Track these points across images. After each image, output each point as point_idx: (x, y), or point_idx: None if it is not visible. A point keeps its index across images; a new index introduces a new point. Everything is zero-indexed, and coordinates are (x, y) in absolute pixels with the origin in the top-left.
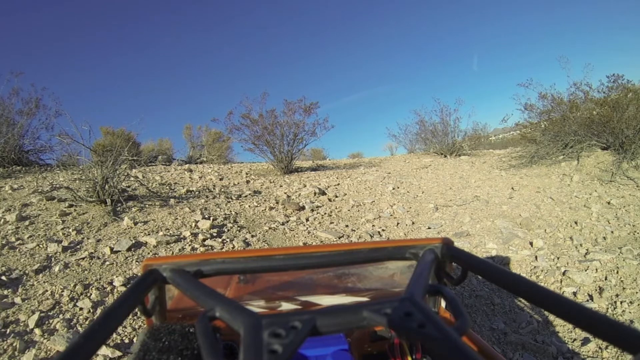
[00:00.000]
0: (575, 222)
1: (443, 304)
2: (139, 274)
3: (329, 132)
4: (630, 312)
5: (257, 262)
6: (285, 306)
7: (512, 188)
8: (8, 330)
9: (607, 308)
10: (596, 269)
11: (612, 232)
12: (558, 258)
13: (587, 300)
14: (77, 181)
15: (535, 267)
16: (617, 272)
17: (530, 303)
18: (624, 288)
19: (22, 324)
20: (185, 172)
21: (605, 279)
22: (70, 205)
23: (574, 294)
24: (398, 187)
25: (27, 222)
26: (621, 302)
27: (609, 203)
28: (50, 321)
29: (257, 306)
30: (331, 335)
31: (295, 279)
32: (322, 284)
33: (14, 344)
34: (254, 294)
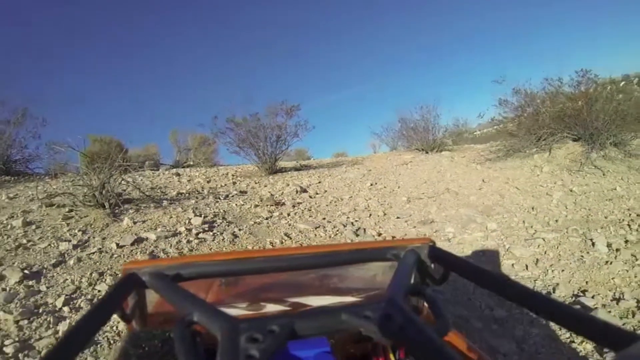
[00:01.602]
0: (533, 208)
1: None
2: (119, 276)
3: (314, 132)
4: (558, 278)
5: (237, 265)
6: (268, 308)
7: (483, 180)
8: (40, 310)
9: (539, 275)
10: (538, 245)
11: (566, 215)
12: (507, 238)
13: (524, 269)
14: (76, 187)
15: (484, 245)
16: (558, 248)
17: (513, 302)
18: (559, 259)
19: (50, 305)
20: (174, 176)
21: (545, 253)
22: (71, 210)
23: (512, 265)
24: (376, 183)
25: (33, 227)
26: (553, 270)
27: (571, 191)
28: (75, 301)
29: (239, 308)
30: (313, 338)
31: (278, 280)
32: (306, 285)
33: (48, 319)
34: (236, 296)
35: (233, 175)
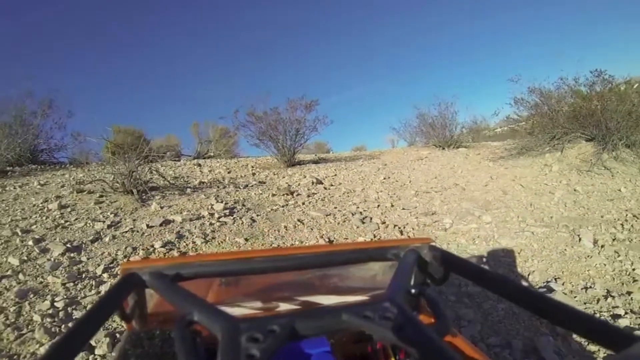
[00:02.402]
0: (531, 204)
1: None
2: (119, 276)
3: (334, 126)
4: (536, 266)
5: (236, 265)
6: (268, 308)
7: (491, 177)
8: (83, 276)
9: (519, 263)
10: (526, 237)
11: (562, 213)
12: (498, 229)
13: (505, 257)
14: (106, 174)
15: (476, 235)
16: (544, 241)
17: (512, 302)
18: (542, 251)
19: (91, 272)
20: (195, 167)
21: (530, 244)
22: (101, 196)
23: None
24: (389, 177)
25: (68, 209)
26: (533, 259)
27: (575, 190)
28: (113, 270)
29: (239, 308)
30: (313, 338)
31: (278, 280)
32: (306, 284)
33: (91, 283)
34: (236, 296)
35: (252, 167)
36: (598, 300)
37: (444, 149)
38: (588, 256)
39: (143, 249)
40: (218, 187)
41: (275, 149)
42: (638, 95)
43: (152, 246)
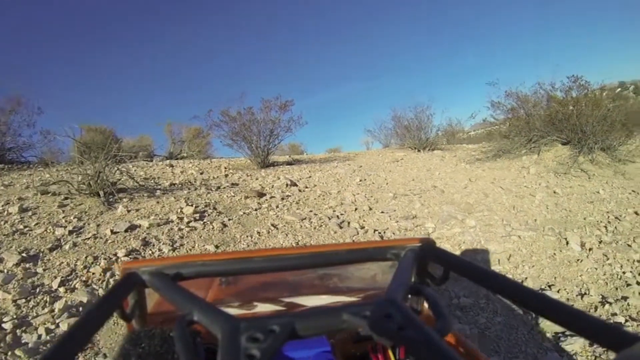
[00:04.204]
0: (514, 207)
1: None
2: (119, 276)
3: (309, 128)
4: (528, 272)
5: (236, 265)
6: (268, 308)
7: (470, 179)
8: (37, 290)
9: (510, 269)
10: (513, 242)
11: (545, 215)
12: (484, 234)
13: (495, 264)
14: (71, 175)
15: (461, 240)
16: (532, 245)
17: (513, 302)
18: (531, 256)
19: (47, 286)
20: (167, 168)
21: (518, 249)
22: (66, 198)
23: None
24: (365, 179)
25: (29, 213)
26: (524, 265)
27: (555, 192)
28: (70, 283)
29: (238, 308)
30: (312, 337)
31: (277, 280)
32: (305, 284)
33: (45, 299)
34: (236, 295)
35: (226, 168)
36: (596, 308)
37: (419, 151)
38: (578, 260)
39: (105, 259)
40: (189, 189)
41: (249, 150)
42: (612, 101)
43: (115, 255)
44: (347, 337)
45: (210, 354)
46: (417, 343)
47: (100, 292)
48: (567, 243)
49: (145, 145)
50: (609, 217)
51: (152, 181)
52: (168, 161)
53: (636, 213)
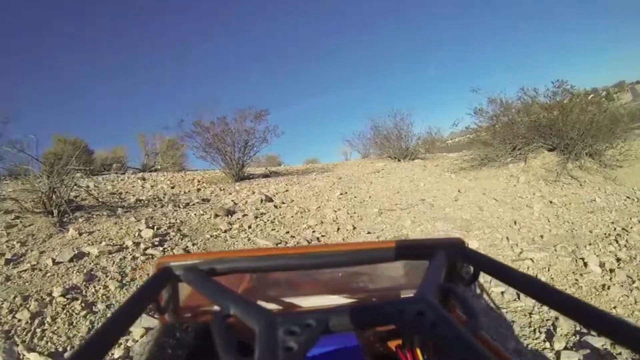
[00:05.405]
0: (515, 222)
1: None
2: (152, 272)
3: (286, 139)
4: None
5: (270, 261)
6: (298, 304)
7: (459, 190)
8: None
9: (534, 307)
10: (527, 267)
11: (550, 230)
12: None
13: (515, 299)
14: (25, 192)
15: None
16: (549, 270)
17: (542, 304)
18: (553, 285)
19: None
20: (139, 181)
21: (535, 276)
22: (17, 217)
23: (502, 294)
24: (346, 193)
25: None
26: None
27: (551, 202)
28: None
29: (269, 303)
30: (342, 335)
31: (306, 278)
32: (334, 283)
33: None
34: (265, 292)
35: (199, 182)
36: None
37: (399, 160)
38: (604, 286)
39: (37, 299)
40: (155, 206)
41: (223, 162)
42: (598, 105)
43: (50, 294)
44: (375, 336)
45: (241, 348)
46: (449, 340)
47: (21, 348)
48: (585, 265)
49: (119, 157)
50: (615, 228)
51: (118, 197)
52: (141, 174)
53: None
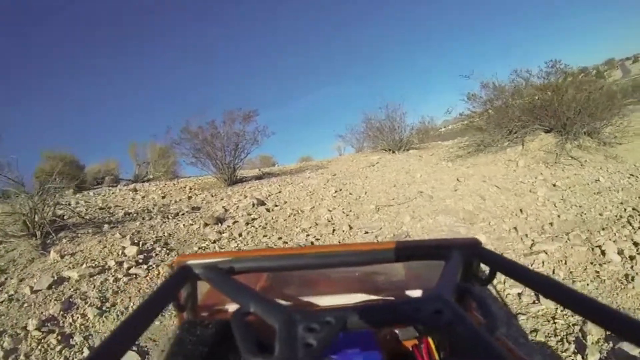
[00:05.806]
0: (521, 210)
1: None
2: (170, 271)
3: (279, 138)
4: None
5: (287, 260)
6: (313, 303)
7: (458, 179)
8: None
9: (556, 310)
10: (542, 262)
11: (558, 216)
12: (500, 251)
13: (534, 302)
14: (5, 215)
15: None
16: (566, 263)
17: (560, 305)
18: (573, 280)
19: None
20: (130, 192)
21: (553, 272)
22: (0, 242)
23: (518, 295)
24: (341, 190)
25: None
26: None
27: (554, 185)
28: None
29: (287, 302)
30: (359, 334)
31: (322, 277)
32: (350, 282)
33: None
34: (282, 291)
35: (191, 189)
36: None
37: (394, 152)
38: (627, 277)
39: (11, 335)
40: (144, 218)
41: (214, 167)
42: (594, 83)
43: (25, 327)
44: (392, 335)
45: (258, 345)
46: (466, 339)
47: None
48: (603, 253)
49: (111, 170)
50: (625, 209)
51: (106, 211)
52: (133, 185)
53: None
